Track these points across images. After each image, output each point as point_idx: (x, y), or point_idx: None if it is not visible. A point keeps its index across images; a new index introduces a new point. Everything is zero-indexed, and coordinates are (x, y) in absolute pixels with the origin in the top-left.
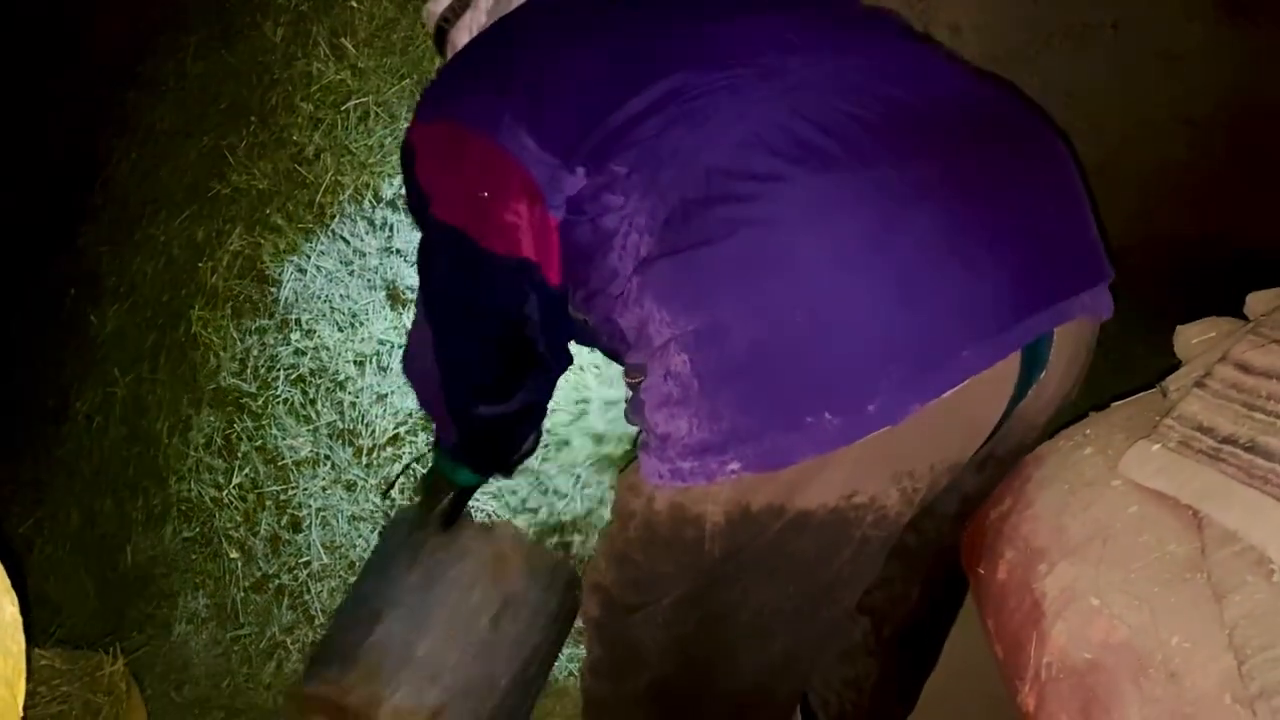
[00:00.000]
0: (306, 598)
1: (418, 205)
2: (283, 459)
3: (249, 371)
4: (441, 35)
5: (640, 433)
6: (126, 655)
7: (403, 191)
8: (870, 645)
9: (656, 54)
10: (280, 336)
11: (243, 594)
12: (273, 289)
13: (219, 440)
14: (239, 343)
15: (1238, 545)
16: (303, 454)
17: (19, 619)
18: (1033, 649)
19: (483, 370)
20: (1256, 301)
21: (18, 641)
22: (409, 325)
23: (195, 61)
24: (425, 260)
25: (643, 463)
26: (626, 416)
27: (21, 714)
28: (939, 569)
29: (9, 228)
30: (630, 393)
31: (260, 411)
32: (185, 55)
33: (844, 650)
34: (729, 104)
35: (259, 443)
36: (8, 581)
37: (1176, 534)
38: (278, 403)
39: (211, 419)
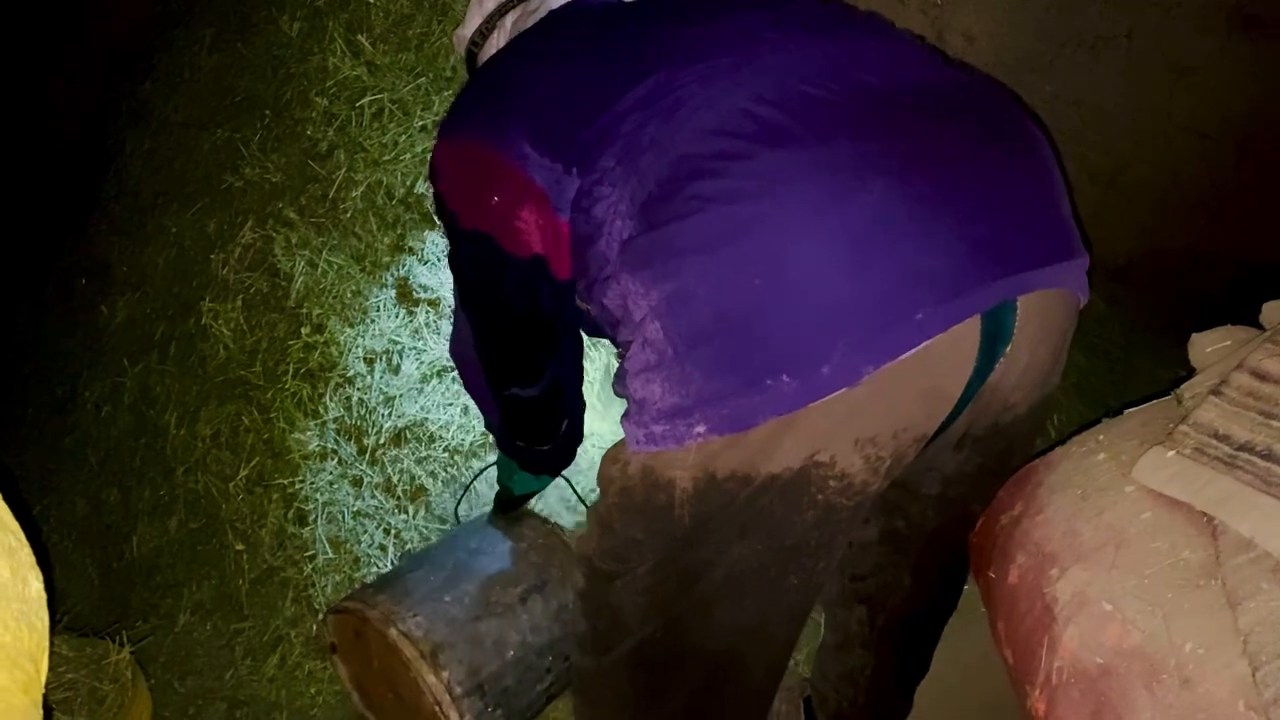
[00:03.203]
0: (310, 591)
1: (445, 215)
2: (290, 453)
3: (258, 364)
4: (473, 59)
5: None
6: (131, 644)
7: (415, 190)
8: (866, 635)
9: (641, 57)
10: (290, 330)
11: (247, 586)
12: (284, 283)
13: (226, 432)
14: (249, 335)
15: (1253, 552)
16: (310, 448)
17: (44, 595)
18: (1043, 654)
19: (513, 354)
20: (1273, 310)
21: (42, 618)
22: (424, 322)
23: (211, 54)
24: (456, 261)
25: (624, 430)
26: (614, 388)
27: (44, 690)
28: (930, 556)
29: (21, 216)
30: (618, 366)
31: (268, 404)
32: (201, 48)
33: (839, 642)
34: (700, 93)
35: (266, 436)
36: (34, 559)
37: (1190, 540)
38: (286, 396)
39: (219, 411)
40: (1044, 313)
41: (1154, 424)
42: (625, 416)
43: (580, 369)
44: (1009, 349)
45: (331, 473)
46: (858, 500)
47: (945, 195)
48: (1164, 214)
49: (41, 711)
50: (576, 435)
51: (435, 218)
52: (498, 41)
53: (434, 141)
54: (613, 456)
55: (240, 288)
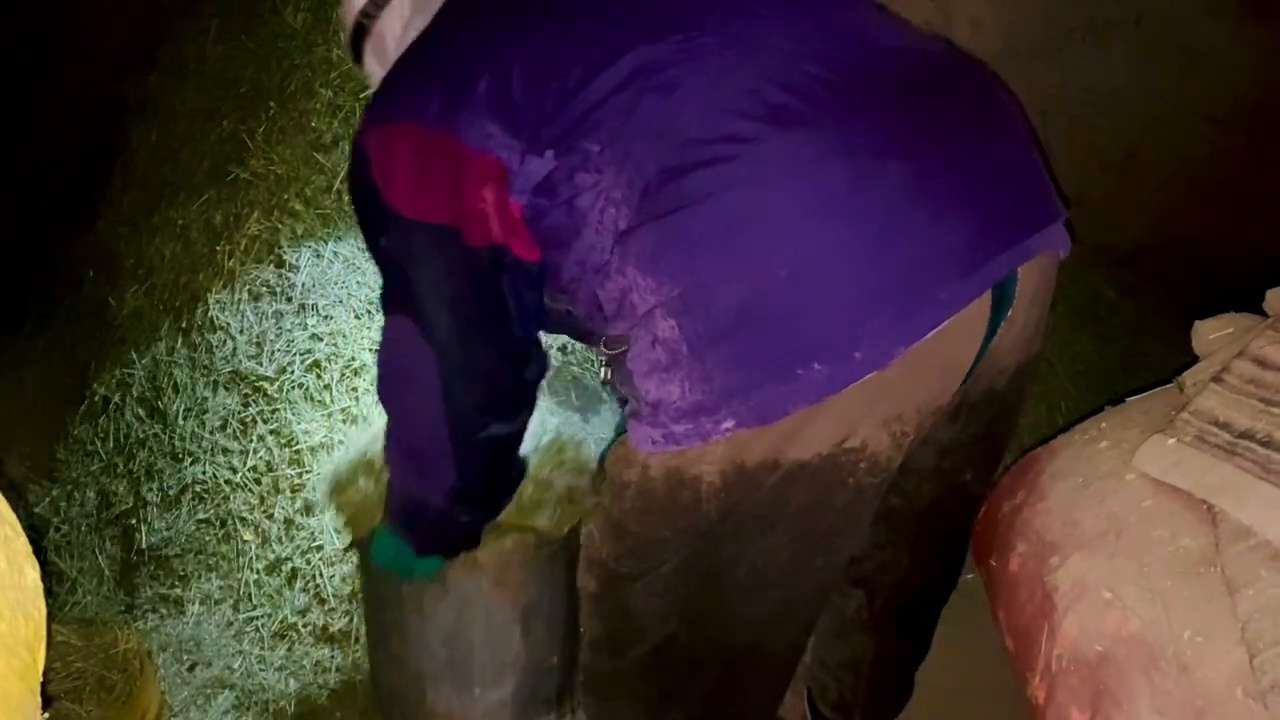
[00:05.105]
0: (319, 581)
1: (376, 215)
2: (297, 443)
3: (265, 355)
4: (361, 33)
5: (627, 403)
6: (140, 634)
7: None
8: (865, 620)
9: (616, 29)
10: (297, 321)
11: (256, 576)
12: (290, 274)
13: (234, 423)
14: (256, 326)
15: (1252, 540)
16: (317, 439)
17: (40, 585)
18: (1044, 641)
19: (496, 378)
20: (1276, 298)
21: (39, 607)
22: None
23: (216, 45)
24: (409, 279)
25: (633, 431)
26: (612, 387)
27: (42, 678)
28: (926, 532)
29: (29, 209)
30: (611, 363)
31: (276, 395)
32: (206, 39)
33: (839, 629)
34: (696, 73)
35: (274, 426)
36: (29, 548)
37: (1191, 528)
38: (293, 387)
39: (227, 402)
40: (1039, 276)
41: (1156, 412)
42: (636, 417)
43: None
44: (1009, 314)
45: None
46: (882, 477)
47: (950, 171)
48: (1174, 200)
49: (39, 699)
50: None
51: (360, 223)
52: (400, 10)
53: (363, 127)
54: (624, 459)
55: (247, 279)
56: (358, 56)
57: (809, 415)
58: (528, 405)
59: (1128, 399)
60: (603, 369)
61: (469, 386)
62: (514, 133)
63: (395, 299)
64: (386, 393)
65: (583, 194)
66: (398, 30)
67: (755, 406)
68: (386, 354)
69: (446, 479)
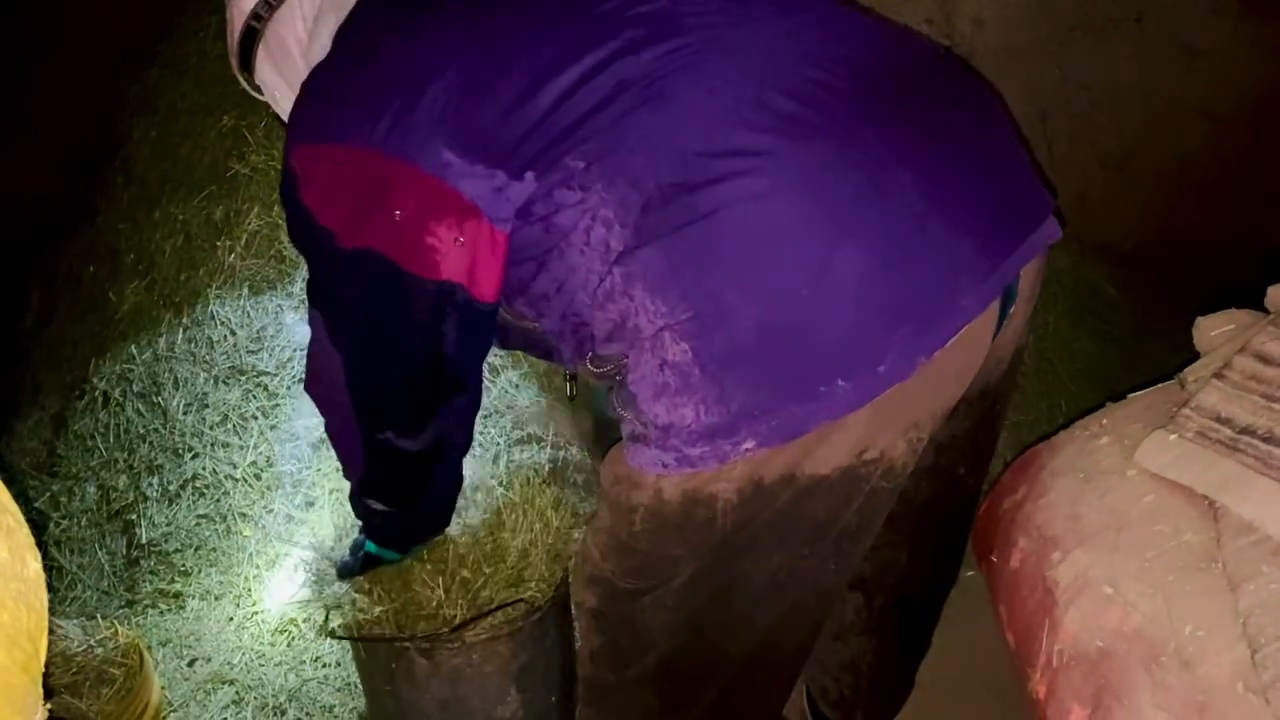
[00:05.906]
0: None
1: (313, 234)
2: (297, 438)
3: (265, 350)
4: (251, 37)
5: (623, 424)
6: (140, 629)
7: None
8: (864, 621)
9: (588, 36)
10: (297, 316)
11: (255, 571)
12: (290, 269)
13: (235, 418)
14: (256, 321)
15: (1254, 535)
16: (317, 434)
17: (42, 575)
18: (1045, 637)
19: (396, 396)
20: (1277, 294)
21: (40, 598)
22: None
23: (216, 41)
24: (331, 289)
25: (637, 454)
26: (613, 408)
27: (44, 669)
28: (924, 528)
29: (30, 204)
30: (602, 382)
31: (277, 390)
32: (206, 34)
33: (837, 631)
34: (691, 84)
35: (274, 421)
36: (31, 540)
37: (1192, 523)
38: (294, 382)
39: (228, 397)
40: (1036, 268)
41: (1157, 408)
42: (643, 441)
43: (471, 428)
44: (1012, 310)
45: None
46: (896, 482)
47: (955, 173)
48: (1175, 197)
49: (41, 689)
50: (444, 512)
51: (292, 242)
52: (301, 10)
53: (291, 144)
54: (629, 480)
55: (247, 274)
56: (246, 65)
57: (829, 430)
58: (427, 425)
59: (1129, 395)
60: (568, 384)
61: (367, 396)
62: (478, 158)
63: (315, 296)
64: (309, 378)
65: (563, 211)
66: (301, 32)
67: (777, 426)
68: (311, 341)
69: (357, 468)
